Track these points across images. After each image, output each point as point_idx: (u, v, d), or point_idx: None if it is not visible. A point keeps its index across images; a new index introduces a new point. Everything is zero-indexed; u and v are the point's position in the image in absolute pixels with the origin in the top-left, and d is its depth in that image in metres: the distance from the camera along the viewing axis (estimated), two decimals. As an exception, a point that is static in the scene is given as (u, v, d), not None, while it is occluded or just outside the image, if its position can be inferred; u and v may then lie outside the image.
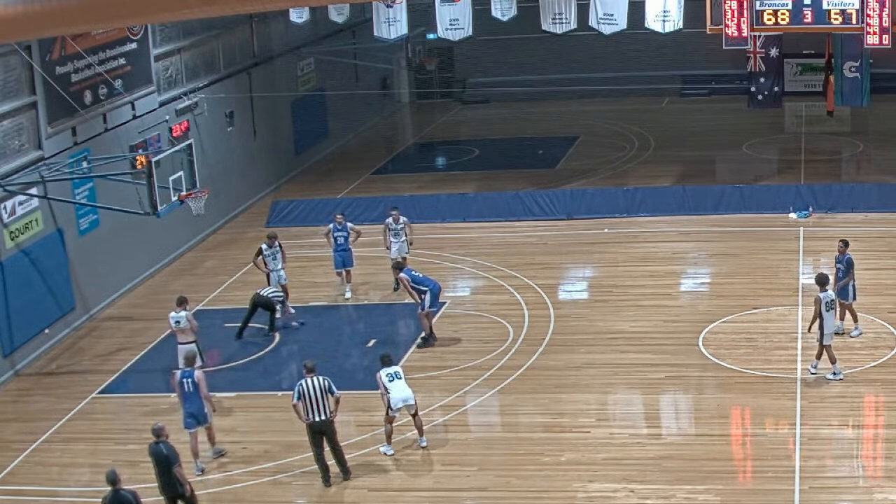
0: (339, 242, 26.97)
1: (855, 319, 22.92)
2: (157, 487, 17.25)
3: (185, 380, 19.45)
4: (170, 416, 21.70)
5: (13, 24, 19.47)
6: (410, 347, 24.00)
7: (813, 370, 21.24)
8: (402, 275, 24.03)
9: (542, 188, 33.64)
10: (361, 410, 20.81)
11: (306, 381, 18.41)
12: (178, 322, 22.08)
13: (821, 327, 20.86)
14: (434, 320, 24.38)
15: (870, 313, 23.75)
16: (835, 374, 21.04)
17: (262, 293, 25.05)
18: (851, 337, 22.72)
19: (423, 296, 23.69)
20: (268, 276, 25.90)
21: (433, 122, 46.53)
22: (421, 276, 24.10)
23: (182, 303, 22.33)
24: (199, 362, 21.74)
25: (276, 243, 26.03)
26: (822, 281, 21.25)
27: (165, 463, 16.96)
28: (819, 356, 21.14)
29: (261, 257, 25.94)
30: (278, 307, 25.08)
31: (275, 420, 21.11)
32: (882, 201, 30.77)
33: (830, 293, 21.11)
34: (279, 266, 25.93)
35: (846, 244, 22.96)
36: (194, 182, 25.18)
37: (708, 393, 21.35)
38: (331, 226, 27.11)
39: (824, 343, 20.95)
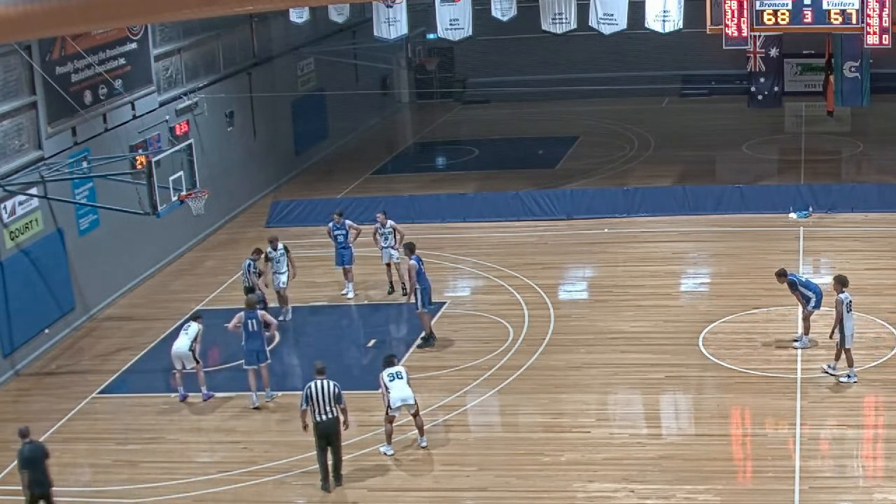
0: (338, 241, 26.98)
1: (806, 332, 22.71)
2: (22, 487, 17.43)
3: (249, 320, 21.39)
4: (170, 416, 21.77)
5: (13, 24, 19.50)
6: (410, 347, 24.00)
7: (832, 371, 21.06)
8: (411, 262, 23.90)
9: (542, 188, 33.63)
10: (361, 410, 20.79)
11: (315, 384, 18.35)
12: (186, 329, 22.25)
13: (841, 329, 20.65)
14: (434, 320, 24.36)
15: (870, 313, 23.74)
16: (849, 376, 20.84)
17: (246, 286, 25.07)
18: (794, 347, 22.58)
19: (416, 292, 23.65)
20: (273, 280, 25.79)
21: (433, 122, 46.53)
22: (423, 272, 23.98)
23: (197, 317, 22.62)
24: (191, 364, 22.09)
25: (280, 245, 25.74)
26: (842, 282, 20.98)
27: (42, 459, 17.44)
28: (838, 357, 20.97)
29: (268, 263, 25.73)
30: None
31: (275, 420, 21.13)
32: (882, 201, 30.75)
33: (848, 295, 20.81)
34: (282, 269, 25.73)
35: (782, 274, 22.57)
36: (194, 182, 25.18)
37: (708, 393, 21.34)
38: (330, 224, 27.14)
39: (846, 346, 20.74)
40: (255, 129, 36.06)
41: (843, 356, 20.97)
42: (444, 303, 25.91)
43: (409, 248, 24.16)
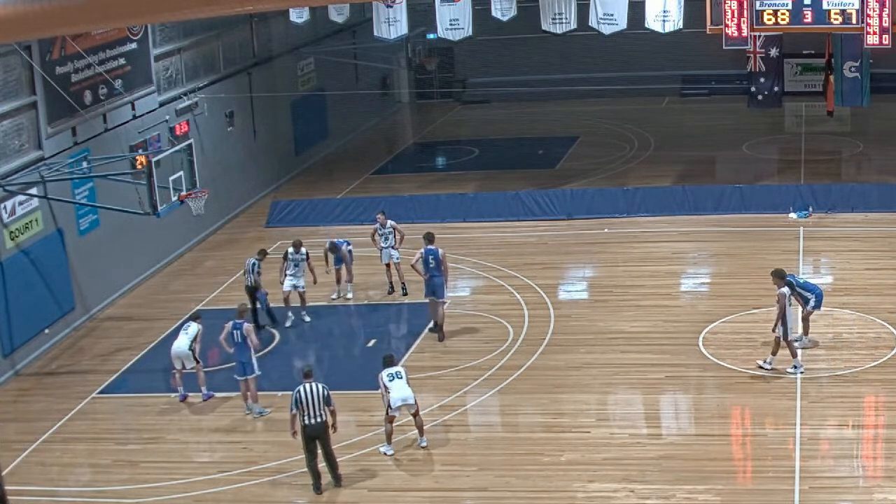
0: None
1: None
2: None
3: (235, 331, 21.14)
4: (170, 416, 21.77)
5: (13, 24, 19.45)
6: (410, 347, 24.01)
7: (767, 366, 21.35)
8: (422, 251, 24.00)
9: (542, 188, 33.63)
10: (361, 410, 20.82)
11: (304, 388, 18.33)
12: (186, 329, 22.24)
13: (784, 323, 20.93)
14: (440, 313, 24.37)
15: (870, 313, 23.77)
16: (795, 367, 21.20)
17: (248, 285, 25.13)
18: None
19: (429, 279, 23.83)
20: (283, 281, 25.75)
21: (433, 122, 46.54)
22: (433, 265, 23.99)
23: (196, 318, 22.59)
24: (191, 364, 22.09)
25: (303, 250, 25.61)
26: (780, 275, 21.33)
27: None
28: (775, 352, 21.26)
29: (285, 262, 25.69)
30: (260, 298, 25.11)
31: (275, 420, 21.11)
32: (882, 201, 30.75)
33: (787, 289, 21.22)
34: (299, 273, 25.51)
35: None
36: (194, 182, 25.19)
37: (708, 393, 21.34)
38: (328, 243, 27.00)
39: (787, 338, 21.04)
40: (255, 129, 36.06)
41: (787, 350, 21.19)
42: (445, 302, 25.81)
43: (426, 238, 24.29)
